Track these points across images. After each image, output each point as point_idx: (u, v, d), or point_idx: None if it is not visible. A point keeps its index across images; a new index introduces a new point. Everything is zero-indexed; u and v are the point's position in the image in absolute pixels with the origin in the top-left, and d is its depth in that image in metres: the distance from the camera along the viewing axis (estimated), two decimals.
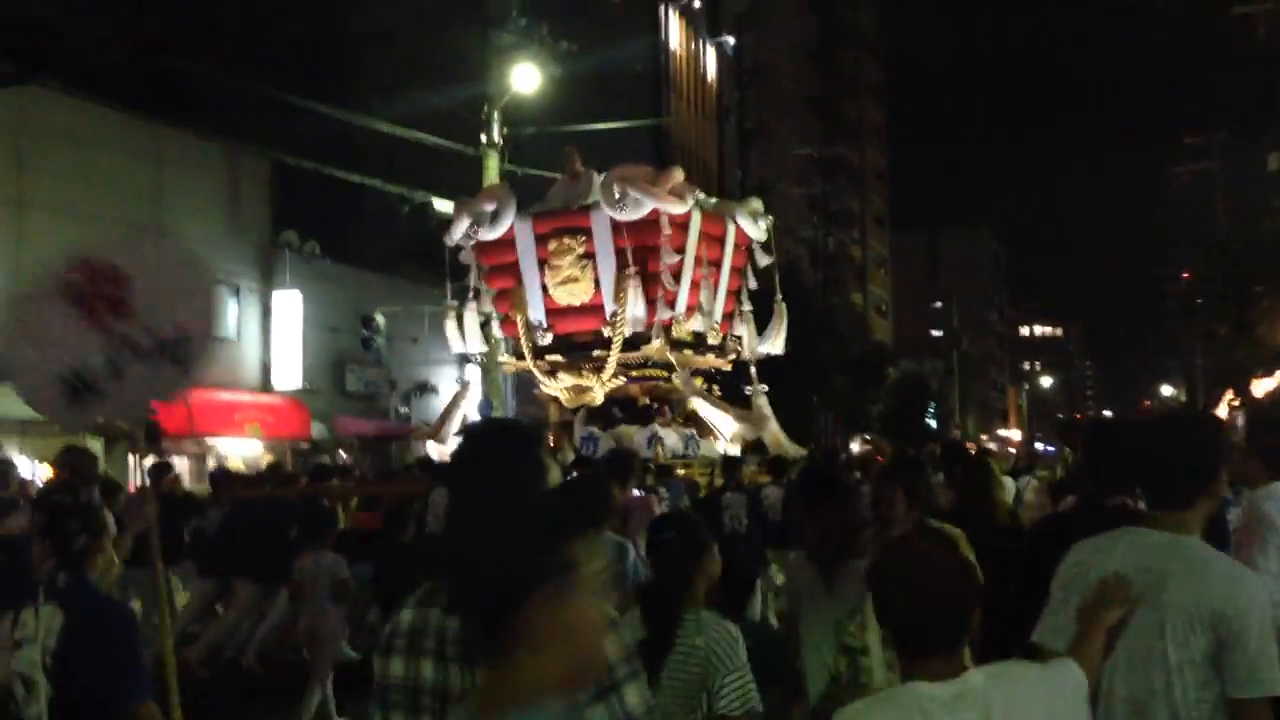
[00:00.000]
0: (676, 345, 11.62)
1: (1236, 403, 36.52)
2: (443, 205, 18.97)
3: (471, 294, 12.75)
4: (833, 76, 61.34)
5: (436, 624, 2.01)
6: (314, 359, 23.47)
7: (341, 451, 23.02)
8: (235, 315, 21.96)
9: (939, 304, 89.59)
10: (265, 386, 22.53)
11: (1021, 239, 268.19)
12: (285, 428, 21.69)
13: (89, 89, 18.62)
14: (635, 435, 11.09)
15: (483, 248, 12.07)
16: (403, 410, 26.88)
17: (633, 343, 11.29)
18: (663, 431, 11.50)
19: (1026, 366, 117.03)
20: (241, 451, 20.49)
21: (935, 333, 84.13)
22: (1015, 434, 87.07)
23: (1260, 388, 31.56)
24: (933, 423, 58.33)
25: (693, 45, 44.24)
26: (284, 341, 22.67)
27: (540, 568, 1.44)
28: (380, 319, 19.53)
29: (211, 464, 18.14)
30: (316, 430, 22.82)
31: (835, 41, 60.87)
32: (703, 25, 45.03)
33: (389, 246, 25.35)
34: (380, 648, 2.11)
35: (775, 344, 12.96)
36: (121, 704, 3.30)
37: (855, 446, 34.02)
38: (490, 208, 11.67)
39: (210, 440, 19.67)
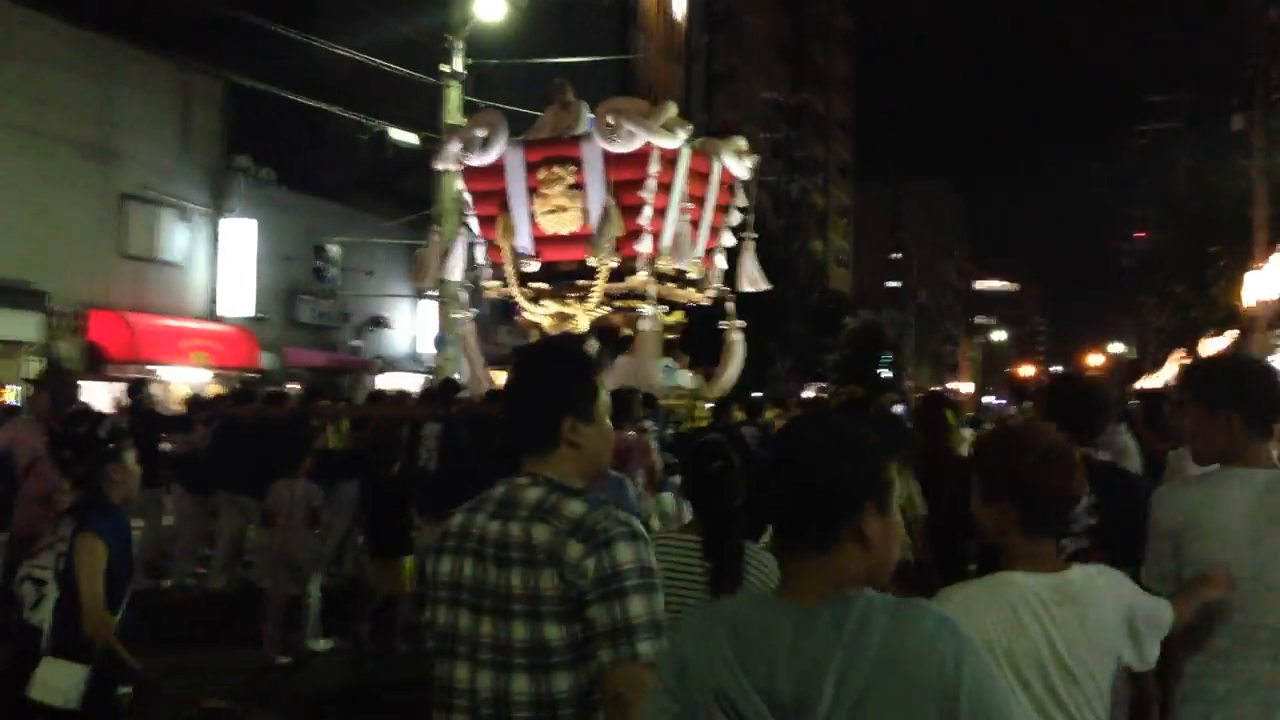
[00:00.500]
0: (660, 278, 11.72)
1: (1188, 360, 37.05)
2: (401, 135, 18.61)
3: (463, 220, 12.82)
4: (802, 23, 60.85)
5: (479, 527, 2.25)
6: (265, 288, 23.07)
7: (295, 385, 22.80)
8: (184, 240, 21.50)
9: (898, 255, 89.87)
10: (213, 314, 22.13)
11: (982, 194, 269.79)
12: (232, 357, 21.32)
13: (36, 1, 18.01)
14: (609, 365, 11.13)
15: (470, 173, 11.98)
16: (354, 343, 26.58)
17: (618, 274, 11.38)
18: (673, 366, 11.87)
19: (980, 320, 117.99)
20: (187, 379, 20.13)
21: (893, 284, 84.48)
22: (967, 386, 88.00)
23: (1209, 346, 31.94)
24: (887, 373, 58.76)
25: None
26: (234, 269, 22.23)
27: (876, 481, 1.77)
28: (334, 250, 19.16)
29: (159, 391, 17.79)
30: (266, 360, 22.49)
31: None
32: None
33: (346, 176, 24.89)
34: (433, 550, 2.34)
35: (745, 281, 13.03)
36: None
37: (809, 394, 34.12)
38: (482, 134, 11.56)
39: (154, 367, 19.27)
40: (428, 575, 2.33)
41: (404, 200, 22.00)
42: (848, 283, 68.82)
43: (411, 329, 28.17)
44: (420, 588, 2.51)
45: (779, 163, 51.26)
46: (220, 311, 22.37)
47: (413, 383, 26.82)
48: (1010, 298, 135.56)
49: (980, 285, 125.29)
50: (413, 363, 27.75)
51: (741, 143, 12.66)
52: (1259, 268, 22.13)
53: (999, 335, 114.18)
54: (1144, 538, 3.04)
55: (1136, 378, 65.20)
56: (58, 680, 3.59)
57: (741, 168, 12.42)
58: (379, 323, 27.17)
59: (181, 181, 21.48)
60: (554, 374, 2.37)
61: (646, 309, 11.53)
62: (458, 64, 19.07)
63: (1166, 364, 50.20)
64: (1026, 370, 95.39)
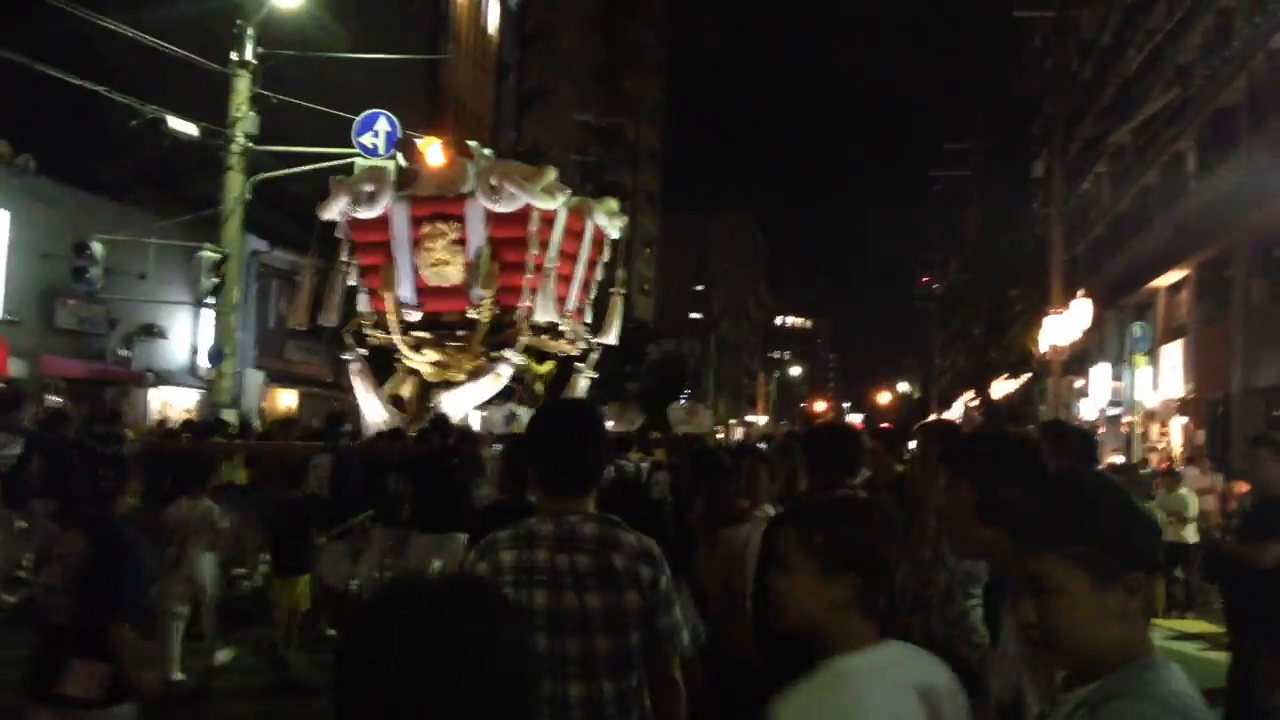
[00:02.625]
0: (534, 330, 12.55)
1: (975, 402, 38.15)
2: (180, 125, 16.83)
3: (344, 267, 13.24)
4: (616, 46, 60.66)
5: (545, 561, 2.63)
6: (18, 288, 20.63)
7: (54, 396, 20.40)
8: None
9: (701, 287, 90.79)
10: None
11: (784, 232, 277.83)
12: None
13: None
14: (494, 413, 12.61)
15: (355, 224, 12.60)
16: (123, 353, 24.19)
17: (496, 325, 12.19)
18: (519, 409, 12.69)
19: (777, 355, 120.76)
20: None
21: (695, 315, 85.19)
22: (762, 419, 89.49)
23: (999, 389, 32.88)
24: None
25: None
26: None
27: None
28: (97, 247, 17.12)
29: None
30: (15, 367, 20.04)
31: (621, 11, 60.18)
32: None
33: (121, 170, 22.61)
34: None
35: (611, 334, 14.19)
36: (105, 622, 4.07)
37: (610, 424, 33.42)
38: (369, 188, 12.31)
39: None
40: None
41: (186, 199, 20.04)
42: (651, 311, 68.77)
43: (190, 340, 25.96)
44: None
45: (589, 187, 50.58)
46: None
47: (190, 399, 24.67)
48: (806, 334, 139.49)
49: (779, 321, 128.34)
50: (191, 377, 25.53)
51: (613, 204, 13.48)
52: (1056, 313, 22.62)
53: (795, 370, 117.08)
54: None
55: (923, 416, 67.94)
56: (85, 677, 3.99)
57: (612, 227, 13.24)
58: (152, 331, 24.83)
59: None
60: (598, 433, 2.87)
61: (516, 358, 12.39)
62: (248, 53, 17.49)
63: (954, 404, 52.18)
64: (819, 405, 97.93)
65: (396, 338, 12.50)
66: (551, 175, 12.17)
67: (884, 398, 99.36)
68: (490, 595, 1.39)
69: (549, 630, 2.58)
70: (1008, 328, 26.91)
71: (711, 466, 5.35)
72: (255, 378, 28.77)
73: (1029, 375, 28.90)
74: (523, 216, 11.97)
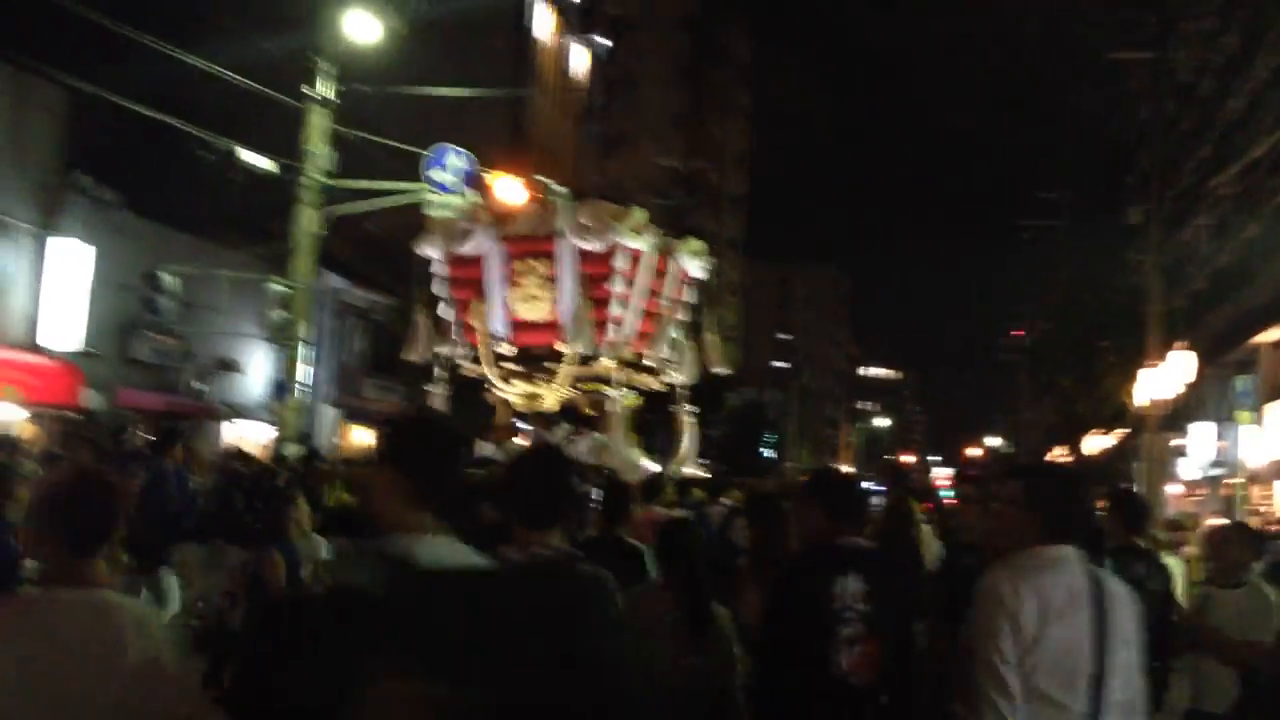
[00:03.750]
0: (622, 365, 13.00)
1: (1066, 458, 36.77)
2: (252, 158, 16.84)
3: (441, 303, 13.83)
4: (702, 95, 60.63)
5: None
6: (98, 320, 20.80)
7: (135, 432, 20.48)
8: (1, 260, 19.21)
9: (786, 336, 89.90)
10: (33, 345, 19.79)
11: (869, 282, 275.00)
12: (48, 393, 18.93)
13: None
14: (580, 443, 12.51)
15: (451, 260, 13.09)
16: (199, 387, 24.31)
17: (584, 359, 12.63)
18: (605, 440, 12.86)
19: (861, 406, 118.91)
20: None
21: (779, 363, 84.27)
22: (848, 469, 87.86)
23: (1092, 444, 31.57)
24: (770, 453, 57.90)
25: (561, 38, 42.63)
26: (60, 296, 19.96)
27: None
28: (168, 279, 17.14)
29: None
30: (91, 399, 20.16)
31: (707, 59, 60.16)
32: (574, 20, 43.47)
33: (200, 203, 22.80)
34: None
35: (697, 372, 14.49)
36: None
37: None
38: (465, 227, 12.91)
39: None
40: None
41: (256, 231, 20.10)
42: (734, 358, 68.11)
43: (265, 374, 26.04)
44: None
45: (671, 232, 50.42)
46: (41, 342, 20.03)
47: (265, 434, 24.68)
48: (891, 386, 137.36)
49: (863, 371, 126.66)
50: (266, 412, 25.57)
51: (696, 244, 14.08)
52: (1152, 365, 21.53)
53: (880, 422, 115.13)
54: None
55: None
56: None
57: (696, 266, 13.74)
58: (228, 365, 24.95)
59: (4, 195, 19.25)
60: (563, 477, 3.45)
61: (613, 392, 12.77)
62: (322, 87, 17.48)
63: (1045, 460, 50.51)
64: (908, 459, 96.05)
65: (487, 369, 12.96)
66: (639, 215, 12.67)
67: (973, 451, 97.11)
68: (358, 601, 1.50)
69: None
70: (1099, 380, 25.76)
71: (766, 511, 5.85)
72: (330, 414, 28.81)
73: (1125, 432, 27.63)
74: (610, 255, 12.49)
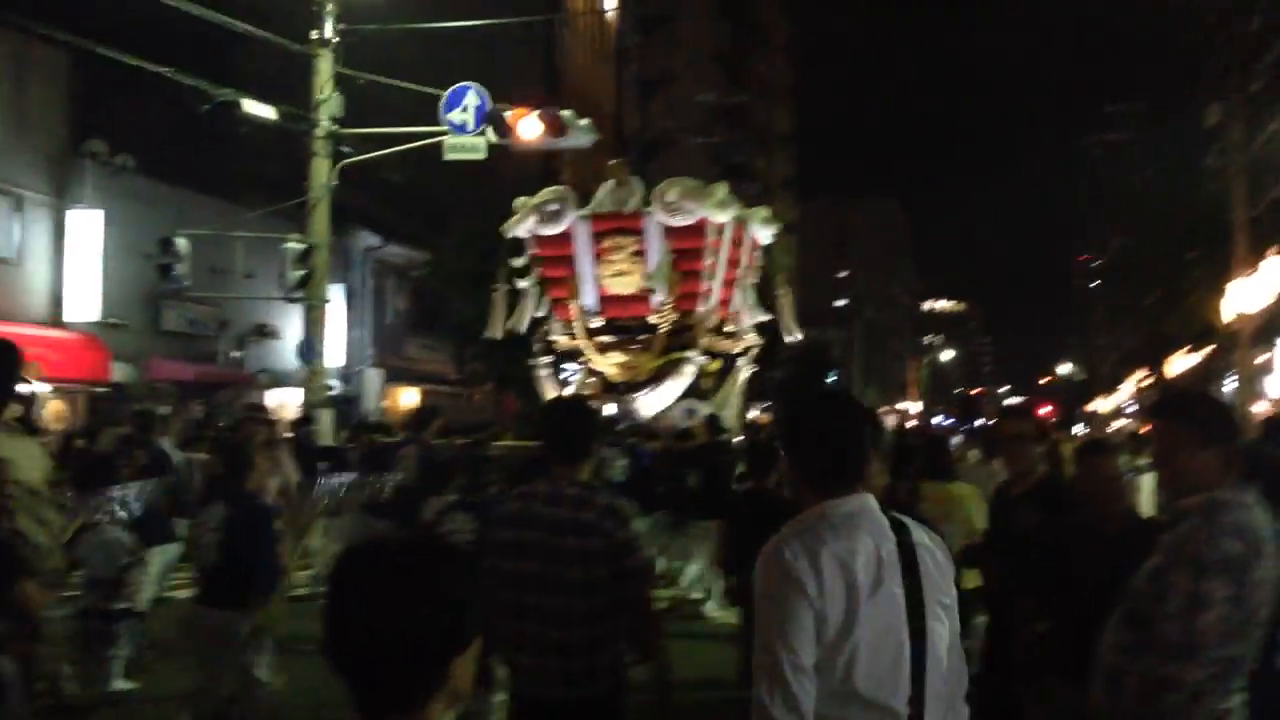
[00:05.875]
0: (708, 332, 13.73)
1: (1148, 381, 34.94)
2: (255, 108, 15.81)
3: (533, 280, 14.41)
4: (743, 29, 58.64)
5: (535, 512, 3.81)
6: (123, 290, 20.09)
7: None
8: (16, 233, 18.49)
9: (844, 273, 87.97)
10: (57, 319, 19.11)
11: (930, 213, 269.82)
12: (75, 368, 18.25)
13: None
14: (674, 408, 13.41)
15: (540, 240, 13.69)
16: (235, 355, 23.60)
17: (676, 329, 13.32)
18: (698, 405, 13.50)
19: (927, 340, 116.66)
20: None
21: (839, 302, 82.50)
22: (915, 405, 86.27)
23: (1176, 365, 29.81)
24: None
25: None
26: (81, 268, 19.24)
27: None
28: (182, 243, 16.25)
29: None
30: (121, 372, 19.50)
31: None
32: None
33: (220, 165, 21.92)
34: (495, 523, 4.01)
35: (794, 331, 15.53)
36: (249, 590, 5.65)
37: (752, 414, 31.78)
38: (554, 207, 13.46)
39: None
40: (496, 541, 3.79)
41: (276, 189, 19.13)
42: (791, 300, 66.58)
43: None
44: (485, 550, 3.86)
45: (715, 170, 48.84)
46: (67, 316, 19.35)
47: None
48: (957, 317, 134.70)
49: (928, 305, 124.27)
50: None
51: (765, 212, 14.72)
52: (1242, 275, 19.87)
53: (946, 354, 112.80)
54: None
55: (1085, 400, 63.75)
56: None
57: (765, 234, 14.40)
58: (264, 332, 24.20)
59: (14, 166, 18.53)
60: (586, 421, 4.02)
61: (697, 358, 13.53)
62: (329, 29, 16.38)
63: (1123, 384, 48.50)
64: (975, 390, 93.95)
65: (582, 342, 13.63)
66: (722, 191, 13.21)
67: (1044, 380, 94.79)
68: (444, 550, 1.75)
69: (537, 559, 3.64)
70: (1185, 296, 24.03)
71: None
72: (375, 376, 28.03)
73: (1211, 348, 25.90)
74: (699, 229, 13.07)
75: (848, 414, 2.75)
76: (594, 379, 14.15)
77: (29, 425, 5.33)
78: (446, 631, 1.57)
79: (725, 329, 14.43)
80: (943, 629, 2.53)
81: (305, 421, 14.87)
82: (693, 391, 14.14)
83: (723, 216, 13.28)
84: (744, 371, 14.86)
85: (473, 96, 16.32)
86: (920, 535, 2.60)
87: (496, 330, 14.71)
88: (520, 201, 14.24)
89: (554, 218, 13.68)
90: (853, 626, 2.43)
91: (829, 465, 2.65)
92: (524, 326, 14.59)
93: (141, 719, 7.19)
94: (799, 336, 15.50)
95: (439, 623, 1.56)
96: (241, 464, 6.23)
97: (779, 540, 2.57)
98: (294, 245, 16.08)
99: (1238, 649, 2.86)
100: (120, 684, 7.58)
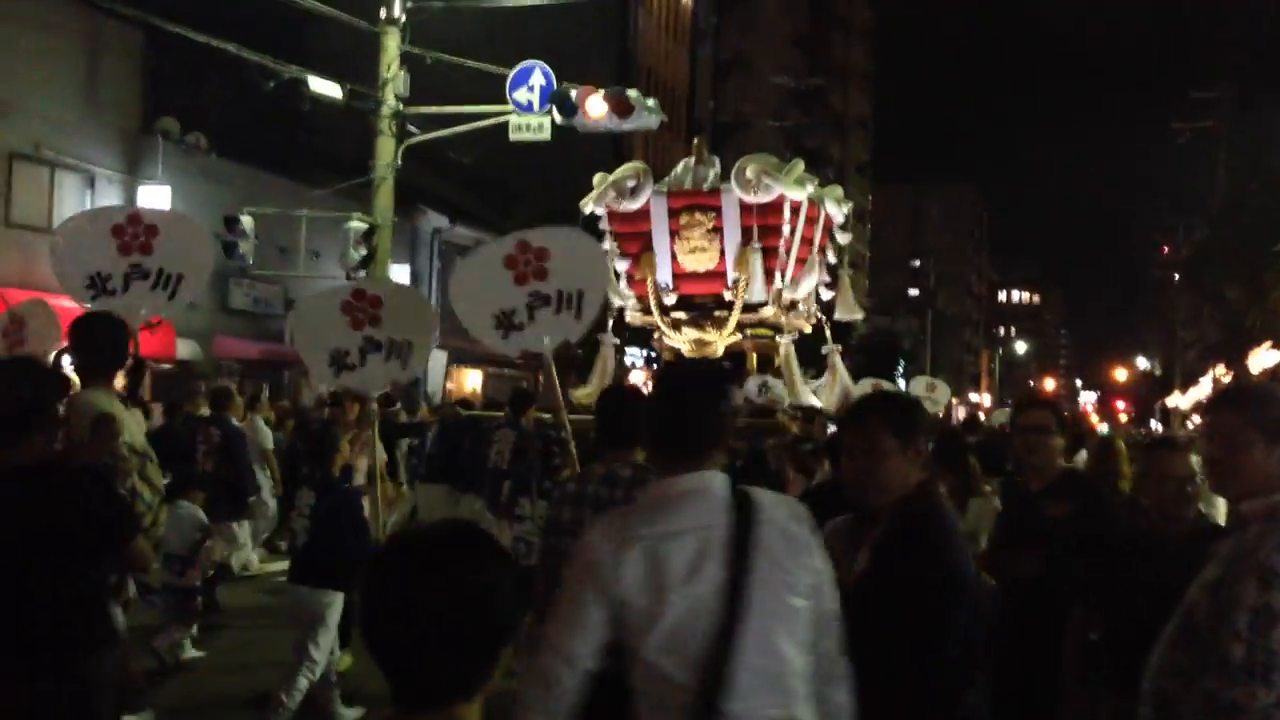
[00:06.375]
0: (783, 310, 13.56)
1: (1227, 376, 33.83)
2: (321, 86, 15.79)
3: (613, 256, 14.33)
4: (821, 12, 57.85)
5: (593, 492, 4.12)
6: None
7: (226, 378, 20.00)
8: (88, 209, 18.69)
9: (918, 261, 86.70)
10: None
11: (1006, 198, 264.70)
12: (142, 345, 18.38)
13: None
14: (749, 383, 13.41)
15: (616, 216, 13.70)
16: None
17: (749, 306, 13.22)
18: (771, 381, 13.58)
19: (1001, 331, 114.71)
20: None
21: (912, 291, 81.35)
22: (986, 398, 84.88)
23: (1259, 361, 28.78)
24: (902, 383, 55.74)
25: None
26: None
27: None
28: (247, 221, 16.30)
29: None
30: (185, 349, 19.68)
31: None
32: None
33: (290, 144, 22.03)
34: (558, 503, 4.36)
35: (852, 311, 15.09)
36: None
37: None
38: (631, 183, 13.38)
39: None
40: (557, 520, 4.12)
41: (344, 169, 19.15)
42: (863, 287, 65.78)
43: None
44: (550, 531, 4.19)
45: (788, 153, 48.21)
46: None
47: None
48: (1032, 309, 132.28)
49: (1003, 296, 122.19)
50: None
51: (838, 190, 14.57)
52: None
53: (1020, 346, 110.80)
54: None
55: (1163, 395, 62.08)
56: None
57: (838, 212, 14.19)
58: None
59: (87, 142, 18.72)
60: (635, 407, 4.02)
61: (783, 338, 13.62)
62: (397, 8, 16.29)
63: (1202, 379, 47.07)
64: (1049, 384, 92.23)
65: (657, 318, 13.65)
66: (799, 168, 13.10)
67: (1120, 374, 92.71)
68: (479, 538, 1.70)
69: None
70: (1271, 288, 23.10)
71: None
72: (439, 358, 28.06)
73: None
74: (777, 206, 13.01)
75: (691, 388, 2.62)
76: (669, 355, 14.15)
77: (135, 398, 5.59)
78: (485, 625, 1.57)
79: (800, 307, 14.35)
80: (788, 613, 2.41)
81: (390, 401, 15.18)
82: (766, 368, 14.29)
83: (799, 194, 13.18)
84: (835, 356, 14.86)
85: (538, 76, 16.19)
86: (774, 514, 2.47)
87: None
88: (599, 177, 14.14)
89: (631, 194, 13.61)
90: (661, 613, 2.34)
91: (664, 440, 2.57)
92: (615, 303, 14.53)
93: (210, 688, 7.41)
94: (859, 316, 15.39)
95: (477, 616, 1.57)
96: (327, 449, 6.62)
97: (592, 526, 2.57)
98: (357, 224, 16.05)
99: None
100: (190, 653, 7.91)
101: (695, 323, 13.73)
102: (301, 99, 15.71)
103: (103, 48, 18.98)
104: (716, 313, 13.62)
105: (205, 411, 10.67)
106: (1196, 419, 40.98)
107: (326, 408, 12.39)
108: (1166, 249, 63.80)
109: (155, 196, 19.44)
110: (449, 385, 28.17)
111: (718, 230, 13.43)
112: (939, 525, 2.93)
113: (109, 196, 19.18)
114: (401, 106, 16.56)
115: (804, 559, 2.47)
